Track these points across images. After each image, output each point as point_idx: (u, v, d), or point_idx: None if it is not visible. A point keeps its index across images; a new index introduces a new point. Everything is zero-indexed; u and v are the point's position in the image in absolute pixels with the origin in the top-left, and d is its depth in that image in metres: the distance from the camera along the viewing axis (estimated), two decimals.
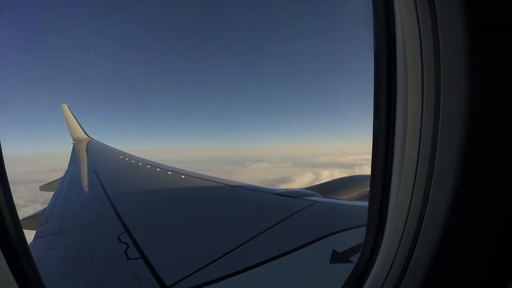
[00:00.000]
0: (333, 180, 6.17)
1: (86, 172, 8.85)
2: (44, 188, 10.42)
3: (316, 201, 3.91)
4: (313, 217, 3.50)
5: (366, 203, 1.41)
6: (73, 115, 18.43)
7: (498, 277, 1.01)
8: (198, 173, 7.05)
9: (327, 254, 2.43)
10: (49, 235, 3.81)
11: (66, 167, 10.50)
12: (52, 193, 6.84)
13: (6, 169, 1.23)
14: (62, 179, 8.69)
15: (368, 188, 1.38)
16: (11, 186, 1.26)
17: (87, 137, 18.26)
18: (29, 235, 4.13)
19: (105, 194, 5.68)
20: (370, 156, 1.31)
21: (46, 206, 5.64)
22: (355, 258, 2.02)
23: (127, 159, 11.24)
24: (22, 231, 1.29)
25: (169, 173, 7.41)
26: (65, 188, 7.10)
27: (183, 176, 6.83)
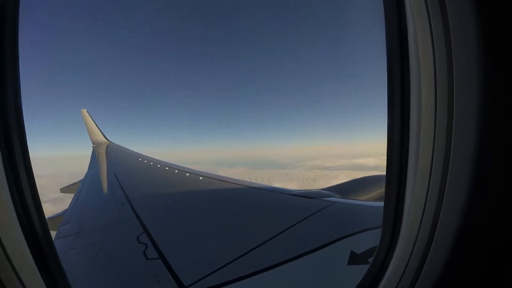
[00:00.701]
0: (351, 181, 6.07)
1: (106, 175, 9.07)
2: (64, 190, 10.73)
3: (334, 202, 3.85)
4: (331, 218, 3.45)
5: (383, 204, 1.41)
6: (92, 119, 18.97)
7: None
8: (215, 174, 7.10)
9: (345, 255, 2.39)
10: (69, 236, 3.90)
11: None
12: (72, 195, 7.03)
13: (33, 172, 1.25)
14: (82, 181, 8.93)
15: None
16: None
17: (106, 140, 18.74)
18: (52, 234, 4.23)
19: (124, 195, 5.79)
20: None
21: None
22: None
23: (145, 161, 11.47)
24: (49, 231, 1.32)
25: (187, 174, 7.48)
26: (85, 190, 7.29)
27: (201, 178, 6.89)
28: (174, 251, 2.99)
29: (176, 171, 8.34)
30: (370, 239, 2.56)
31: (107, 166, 11.07)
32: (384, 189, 1.37)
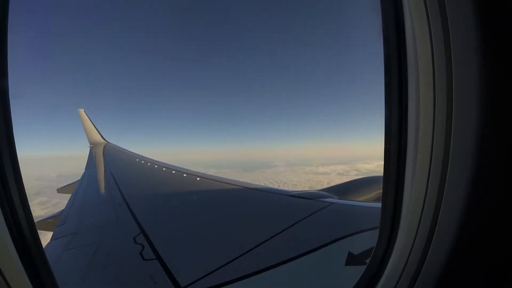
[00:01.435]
0: (349, 181, 6.07)
1: (103, 175, 9.04)
2: (61, 190, 10.66)
3: (332, 203, 3.86)
4: (329, 218, 3.46)
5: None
6: (90, 120, 18.89)
7: None
8: (213, 175, 7.10)
9: (343, 256, 2.39)
10: (66, 236, 3.87)
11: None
12: (69, 195, 6.99)
13: (21, 171, 1.24)
14: (79, 182, 8.88)
15: None
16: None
17: (103, 141, 18.65)
18: (47, 235, 4.21)
19: (121, 196, 5.77)
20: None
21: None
22: None
23: (143, 161, 11.44)
24: (36, 230, 1.29)
25: (185, 175, 7.47)
26: (82, 191, 7.25)
27: (198, 178, 6.89)
28: (171, 251, 2.98)
29: (174, 171, 8.33)
30: (368, 240, 2.56)
31: (104, 166, 11.03)
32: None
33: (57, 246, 3.53)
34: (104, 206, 5.36)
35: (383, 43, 1.20)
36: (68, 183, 10.65)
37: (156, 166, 9.73)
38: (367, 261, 2.24)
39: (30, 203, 1.26)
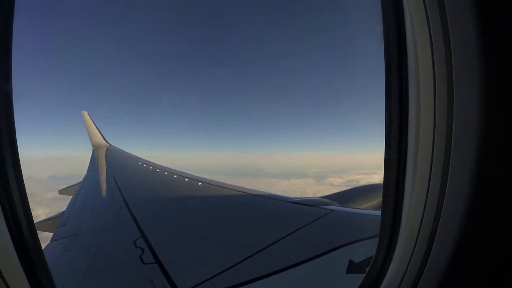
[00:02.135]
0: (351, 189, 6.05)
1: (105, 178, 9.05)
2: (63, 191, 10.69)
3: (333, 210, 3.83)
4: (330, 226, 3.43)
5: None
6: (93, 122, 19.01)
7: None
8: (215, 180, 7.08)
9: (344, 264, 2.36)
10: (66, 238, 3.87)
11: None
12: (71, 197, 7.01)
13: (22, 172, 1.24)
14: (81, 183, 8.91)
15: None
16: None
17: (106, 143, 18.74)
18: (48, 236, 4.21)
19: (122, 199, 5.77)
20: None
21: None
22: None
23: (145, 165, 11.44)
24: (36, 232, 1.30)
25: (186, 180, 7.46)
26: (83, 193, 7.27)
27: (200, 183, 6.88)
28: (171, 256, 2.97)
29: (175, 176, 8.33)
30: (369, 248, 2.52)
31: (106, 169, 11.06)
32: None
33: (56, 248, 3.53)
34: (105, 208, 5.37)
35: (384, 46, 1.20)
36: (62, 186, 10.71)
37: (157, 170, 9.73)
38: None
39: None
